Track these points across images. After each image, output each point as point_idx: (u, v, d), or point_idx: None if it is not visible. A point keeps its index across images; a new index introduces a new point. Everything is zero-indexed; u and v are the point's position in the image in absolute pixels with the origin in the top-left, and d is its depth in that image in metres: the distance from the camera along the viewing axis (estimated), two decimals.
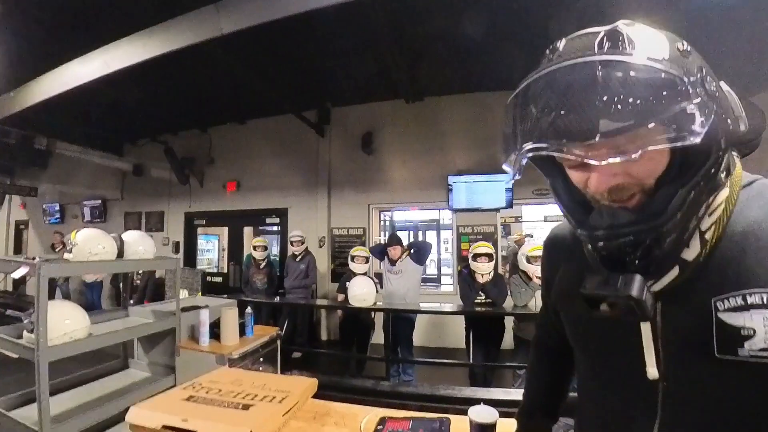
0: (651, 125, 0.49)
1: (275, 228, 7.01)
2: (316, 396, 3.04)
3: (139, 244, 2.61)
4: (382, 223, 7.95)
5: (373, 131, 6.29)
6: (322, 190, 6.42)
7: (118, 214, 8.13)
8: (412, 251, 4.41)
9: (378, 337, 4.58)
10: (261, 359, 2.85)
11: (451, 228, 12.62)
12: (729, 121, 0.57)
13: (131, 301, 5.61)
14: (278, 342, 3.08)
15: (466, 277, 4.00)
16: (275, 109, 6.43)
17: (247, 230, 7.25)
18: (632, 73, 0.49)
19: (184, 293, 3.67)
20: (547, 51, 0.60)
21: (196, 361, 2.53)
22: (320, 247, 6.33)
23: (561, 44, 0.58)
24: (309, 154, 6.53)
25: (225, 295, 4.27)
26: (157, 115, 6.73)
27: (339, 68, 5.39)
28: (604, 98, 0.48)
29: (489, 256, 3.83)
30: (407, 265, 4.36)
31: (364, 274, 4.40)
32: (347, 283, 4.29)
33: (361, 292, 3.79)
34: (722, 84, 0.60)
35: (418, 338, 4.68)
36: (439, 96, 6.11)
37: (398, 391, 3.12)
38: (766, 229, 0.55)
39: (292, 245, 5.48)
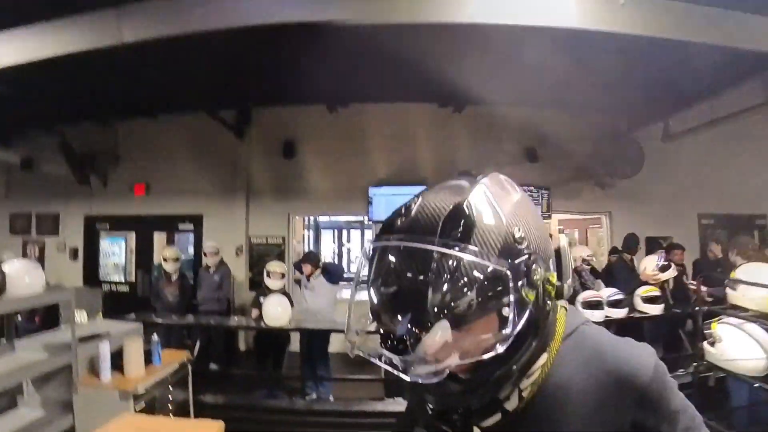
0: (468, 326, 0.56)
1: (190, 234, 6.69)
2: (231, 419, 3.08)
3: (25, 276, 2.39)
4: (305, 222, 7.97)
5: (296, 136, 6.24)
6: (240, 196, 6.27)
7: (2, 215, 7.17)
8: (326, 270, 4.51)
9: (295, 344, 4.64)
10: (171, 387, 2.80)
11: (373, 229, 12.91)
12: (554, 296, 0.64)
13: (19, 317, 5.09)
14: (189, 366, 3.03)
15: None
16: (190, 106, 6.02)
17: (158, 235, 6.82)
18: (461, 272, 0.54)
19: (82, 316, 3.43)
20: (404, 206, 0.66)
21: (97, 398, 2.42)
22: (237, 255, 6.18)
23: (415, 205, 0.63)
24: (226, 157, 6.31)
25: (132, 315, 4.04)
26: (52, 103, 5.87)
27: (260, 69, 5.19)
28: (430, 295, 0.54)
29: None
30: (320, 282, 4.46)
31: (281, 289, 4.41)
32: (261, 298, 4.29)
33: (275, 312, 3.83)
34: (562, 241, 0.72)
35: (335, 345, 4.81)
36: (364, 104, 6.18)
37: (313, 410, 3.25)
38: (573, 386, 0.64)
39: (205, 256, 5.28)
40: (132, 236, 7.02)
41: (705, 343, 3.03)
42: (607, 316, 4.05)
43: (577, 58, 4.55)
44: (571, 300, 4.27)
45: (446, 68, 5.18)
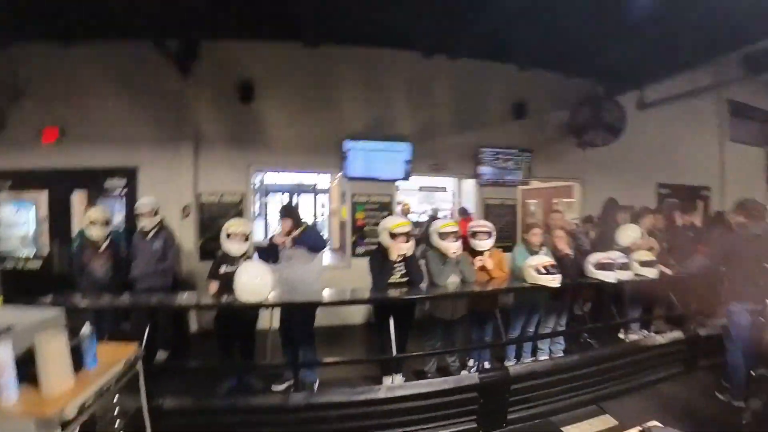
0: None
1: (120, 193, 5.42)
2: (200, 427, 2.26)
3: None
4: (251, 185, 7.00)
5: (255, 77, 5.25)
6: (187, 145, 5.15)
7: None
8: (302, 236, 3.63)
9: (268, 322, 3.86)
10: (117, 395, 1.95)
11: (327, 192, 12.31)
12: None
13: None
14: (140, 364, 2.18)
15: (377, 256, 3.54)
16: (119, 30, 4.61)
17: (78, 195, 5.47)
18: None
19: None
20: None
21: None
22: (184, 217, 5.13)
23: None
24: (168, 97, 5.09)
25: (49, 297, 2.93)
26: None
27: None
28: None
29: (408, 234, 3.46)
30: (299, 250, 3.63)
31: (244, 255, 3.55)
32: (223, 267, 3.44)
33: (253, 284, 2.86)
34: None
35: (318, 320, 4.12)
36: (338, 46, 5.37)
37: (309, 403, 2.53)
38: None
39: (139, 218, 4.19)
40: (43, 197, 5.58)
41: None
42: (618, 279, 3.95)
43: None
44: (581, 261, 4.10)
45: (433, 13, 4.50)
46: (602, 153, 6.67)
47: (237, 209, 5.24)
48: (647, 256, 4.36)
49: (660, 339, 4.26)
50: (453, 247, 3.54)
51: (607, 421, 3.31)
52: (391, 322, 3.13)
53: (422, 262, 3.69)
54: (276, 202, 11.92)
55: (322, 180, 11.91)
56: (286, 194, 12.13)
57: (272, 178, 10.94)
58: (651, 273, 4.19)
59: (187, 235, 5.07)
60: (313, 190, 12.58)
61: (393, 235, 3.41)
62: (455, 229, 3.60)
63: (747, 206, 3.91)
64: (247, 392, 3.30)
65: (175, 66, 4.91)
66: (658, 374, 4.08)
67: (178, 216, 5.04)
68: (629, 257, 4.26)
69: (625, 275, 4.02)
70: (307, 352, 3.53)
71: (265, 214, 10.86)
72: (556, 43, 5.20)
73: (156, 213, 4.21)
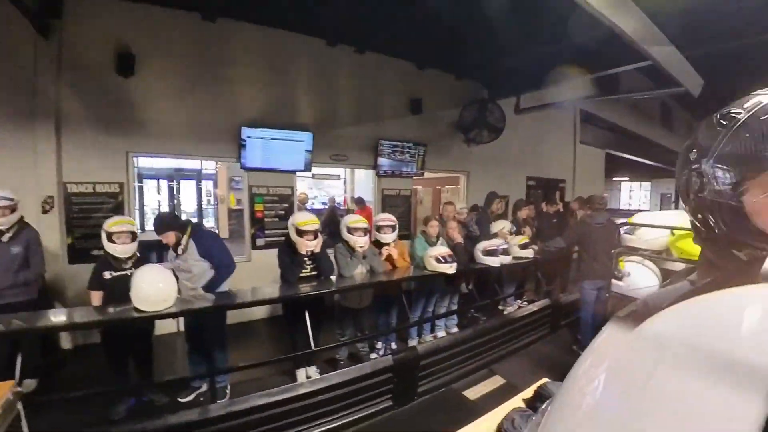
0: None
1: None
2: None
3: None
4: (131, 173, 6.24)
5: (136, 46, 4.54)
6: (46, 124, 4.22)
7: None
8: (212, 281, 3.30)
9: (165, 327, 3.51)
10: None
11: (212, 179, 11.52)
12: None
13: None
14: (20, 405, 1.79)
15: (286, 250, 3.48)
16: None
17: None
18: None
19: None
20: None
21: None
22: (45, 212, 4.25)
23: None
24: (19, 63, 4.09)
25: None
26: None
27: None
28: None
29: (315, 233, 3.44)
30: (195, 258, 3.28)
31: (132, 257, 3.13)
32: (108, 273, 3.03)
33: (154, 290, 2.48)
34: None
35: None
36: (236, 21, 4.99)
37: (231, 411, 2.39)
38: None
39: None
40: None
41: (612, 280, 3.67)
42: (501, 263, 4.56)
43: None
44: (470, 248, 4.60)
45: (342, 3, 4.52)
46: (485, 149, 7.48)
47: (116, 201, 4.55)
48: (523, 240, 5.11)
49: (531, 307, 5.05)
50: (360, 242, 3.70)
51: (498, 380, 3.89)
52: (307, 315, 3.13)
53: (331, 252, 3.75)
54: (153, 189, 10.72)
55: (207, 165, 11.06)
56: (164, 181, 10.99)
57: (148, 161, 9.79)
58: (527, 255, 4.92)
59: (50, 234, 4.19)
60: (197, 176, 11.64)
61: (300, 232, 3.37)
62: (364, 225, 3.76)
63: (592, 200, 4.86)
64: (153, 410, 2.96)
65: (30, 22, 3.94)
66: (531, 337, 4.86)
67: (38, 210, 4.19)
68: (509, 243, 4.92)
69: (506, 259, 4.64)
70: (219, 355, 3.30)
71: (141, 204, 9.63)
72: (450, 48, 5.65)
73: (14, 209, 3.38)
